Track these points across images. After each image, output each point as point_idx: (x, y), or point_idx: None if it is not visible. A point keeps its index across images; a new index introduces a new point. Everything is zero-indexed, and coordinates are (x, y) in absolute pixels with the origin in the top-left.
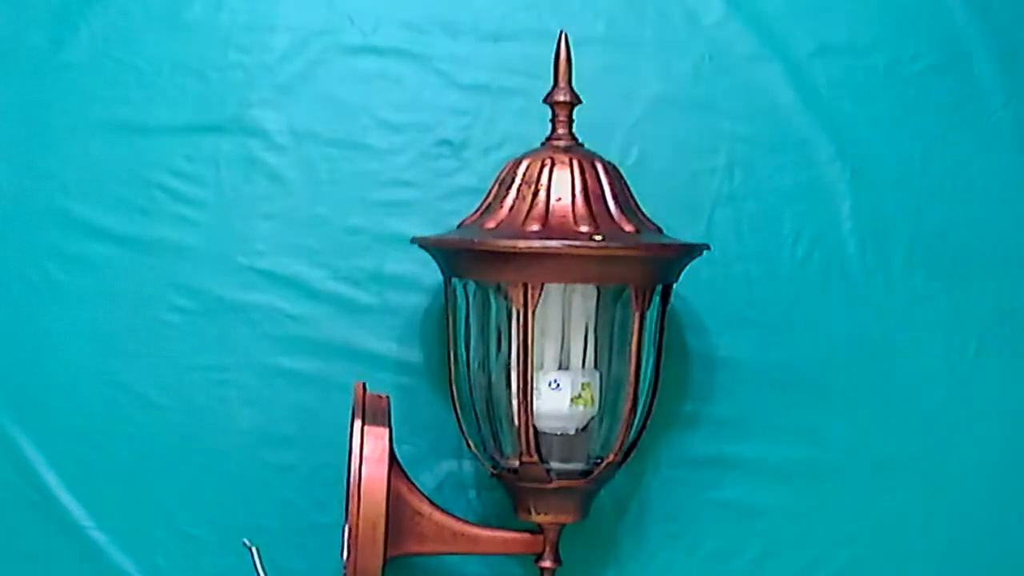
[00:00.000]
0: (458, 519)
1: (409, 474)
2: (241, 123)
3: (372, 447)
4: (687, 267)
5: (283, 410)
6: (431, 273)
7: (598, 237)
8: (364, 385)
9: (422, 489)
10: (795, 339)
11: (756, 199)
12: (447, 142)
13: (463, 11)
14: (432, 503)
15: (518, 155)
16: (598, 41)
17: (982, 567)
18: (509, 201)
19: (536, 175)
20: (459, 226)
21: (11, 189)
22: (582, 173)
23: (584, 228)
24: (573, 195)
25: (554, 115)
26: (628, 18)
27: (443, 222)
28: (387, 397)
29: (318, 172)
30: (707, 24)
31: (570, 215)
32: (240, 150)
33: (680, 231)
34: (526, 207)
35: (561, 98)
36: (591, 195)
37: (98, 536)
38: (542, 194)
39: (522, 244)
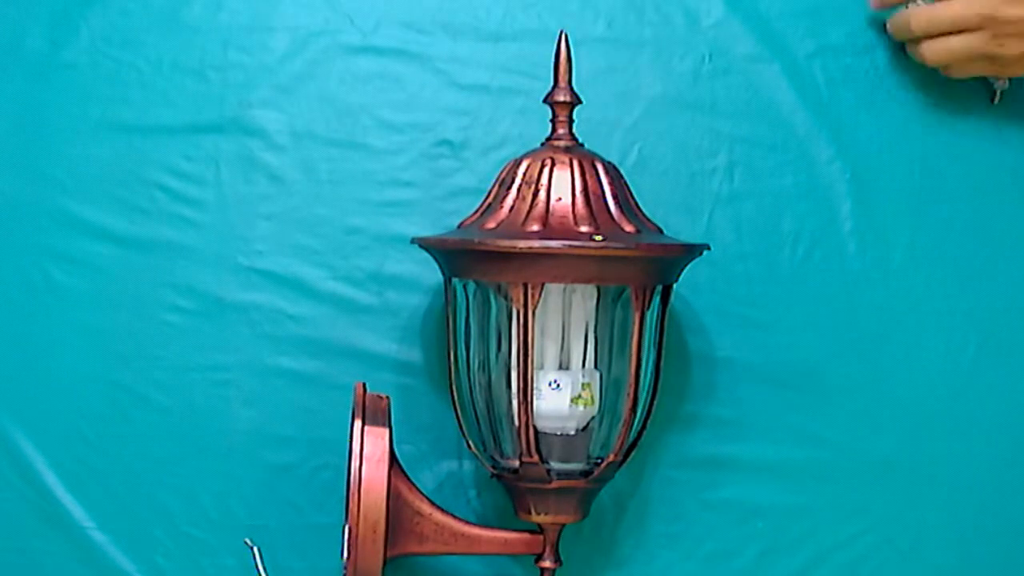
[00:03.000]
0: (458, 519)
1: (409, 474)
2: (241, 123)
3: (372, 447)
4: (687, 267)
5: (283, 410)
6: (431, 273)
7: (598, 237)
8: (364, 385)
9: (422, 489)
10: (795, 339)
11: (756, 199)
12: (447, 142)
13: (463, 11)
14: (432, 503)
15: (518, 155)
16: (598, 41)
17: (982, 567)
18: (509, 201)
19: (536, 175)
20: (459, 226)
21: (11, 189)
22: (582, 173)
23: (584, 228)
24: (573, 195)
25: (554, 115)
26: (628, 18)
27: (443, 222)
28: (387, 397)
29: (318, 172)
30: (707, 24)
31: (570, 215)
32: (240, 150)
33: (680, 231)
34: (526, 207)
35: (561, 98)
36: (591, 195)
37: (98, 536)
38: (542, 194)
39: (522, 244)
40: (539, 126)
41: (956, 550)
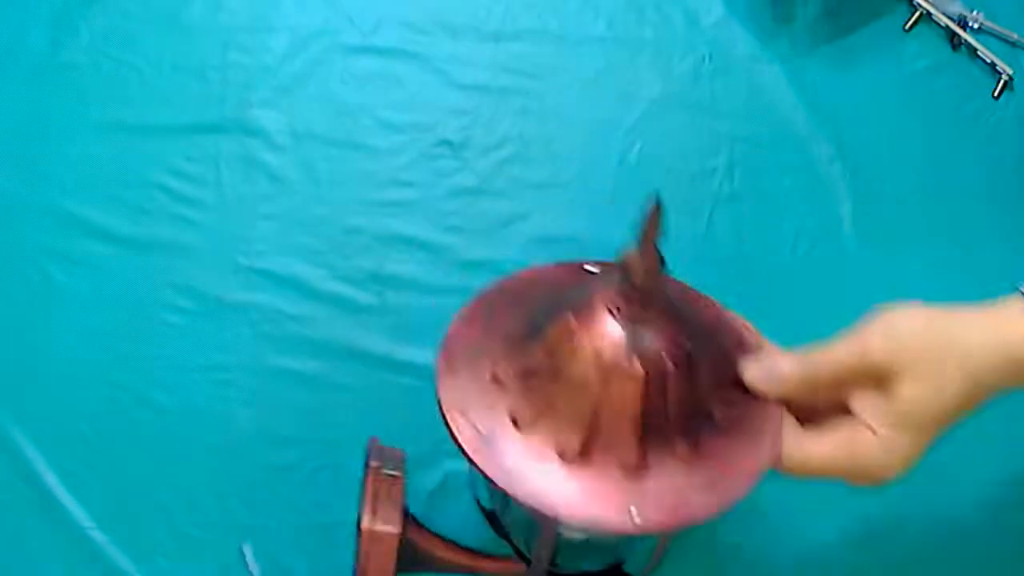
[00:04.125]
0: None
1: (410, 474)
2: (241, 123)
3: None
4: (687, 267)
5: (283, 410)
6: (431, 273)
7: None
8: (377, 440)
9: (423, 491)
10: (795, 339)
11: (756, 199)
12: (447, 142)
13: (463, 11)
14: (446, 542)
15: (518, 155)
16: (598, 41)
17: (982, 566)
18: None
19: None
20: None
21: (11, 189)
22: None
23: None
24: None
25: None
26: (628, 18)
27: (443, 222)
28: (402, 452)
29: (318, 172)
30: (707, 24)
31: None
32: (240, 150)
33: (680, 231)
34: None
35: None
36: None
37: (98, 536)
38: None
39: None
40: (539, 126)
41: (955, 550)
